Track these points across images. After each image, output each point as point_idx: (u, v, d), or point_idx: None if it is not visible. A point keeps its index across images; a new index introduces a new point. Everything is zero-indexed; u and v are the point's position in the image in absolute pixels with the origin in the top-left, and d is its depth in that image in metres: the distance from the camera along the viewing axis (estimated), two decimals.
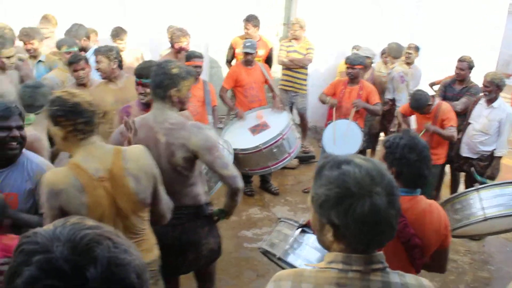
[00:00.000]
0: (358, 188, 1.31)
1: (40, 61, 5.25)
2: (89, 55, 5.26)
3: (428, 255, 2.27)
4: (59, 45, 5.09)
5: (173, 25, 6.50)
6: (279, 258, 2.64)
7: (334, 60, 7.71)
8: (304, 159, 6.88)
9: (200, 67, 4.99)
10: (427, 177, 2.26)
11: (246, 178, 5.82)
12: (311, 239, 2.60)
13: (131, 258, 0.87)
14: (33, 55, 5.20)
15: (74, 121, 2.18)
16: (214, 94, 5.32)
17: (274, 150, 5.00)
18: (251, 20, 6.26)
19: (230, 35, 6.75)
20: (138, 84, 3.38)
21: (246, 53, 5.66)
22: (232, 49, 6.54)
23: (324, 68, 7.79)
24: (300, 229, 2.72)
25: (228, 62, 6.64)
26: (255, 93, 5.76)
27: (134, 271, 0.86)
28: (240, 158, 5.01)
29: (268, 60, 6.52)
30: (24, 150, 2.65)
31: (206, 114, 5.18)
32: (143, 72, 3.29)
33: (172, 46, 5.63)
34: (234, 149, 4.84)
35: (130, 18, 6.49)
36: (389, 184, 1.35)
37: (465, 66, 5.57)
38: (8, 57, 4.29)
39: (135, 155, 2.35)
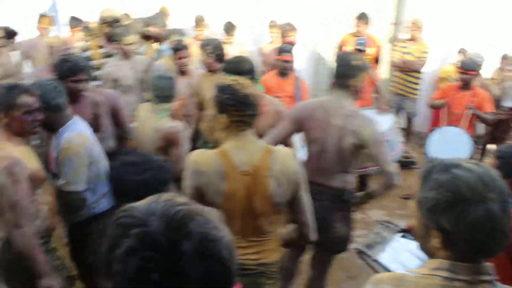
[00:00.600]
0: (470, 193, 1.26)
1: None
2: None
3: None
4: (168, 34, 5.33)
5: (274, 20, 6.60)
6: (375, 260, 2.60)
7: (439, 64, 7.36)
8: (405, 164, 6.64)
9: (289, 62, 4.91)
10: None
11: None
12: (410, 245, 2.52)
13: (222, 235, 0.90)
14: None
15: (243, 112, 2.20)
16: (305, 91, 5.17)
17: None
18: (363, 18, 6.17)
19: (338, 33, 6.68)
20: None
21: (357, 50, 5.51)
22: (341, 46, 6.44)
23: (430, 71, 7.47)
24: (400, 234, 2.66)
25: None
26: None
27: (225, 247, 0.89)
28: None
29: (377, 60, 6.37)
30: (70, 122, 2.84)
31: None
32: (230, 68, 3.25)
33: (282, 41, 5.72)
34: None
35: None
36: (502, 190, 1.30)
37: None
38: (129, 44, 4.59)
39: (284, 158, 2.29)
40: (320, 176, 2.82)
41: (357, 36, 5.95)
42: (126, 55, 4.65)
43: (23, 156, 2.48)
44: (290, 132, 3.11)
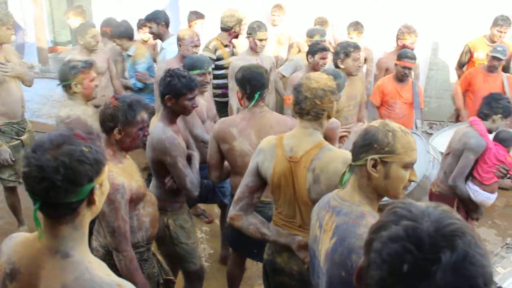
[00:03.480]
0: None
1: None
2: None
3: None
4: (311, 34, 5.27)
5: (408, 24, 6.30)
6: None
7: None
8: None
9: (409, 68, 4.78)
10: None
11: None
12: None
13: (486, 264, 0.89)
14: None
15: (295, 104, 2.35)
16: (422, 97, 5.03)
17: None
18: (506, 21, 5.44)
19: (462, 37, 6.13)
20: None
21: (494, 58, 5.05)
22: (469, 53, 5.79)
23: None
24: None
25: (460, 66, 5.94)
26: None
27: (482, 276, 0.88)
28: None
29: (506, 69, 5.57)
30: None
31: (412, 117, 4.99)
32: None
33: (397, 43, 5.52)
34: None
35: None
36: None
37: None
38: (262, 40, 4.72)
39: (332, 158, 2.28)
40: None
41: (493, 42, 5.45)
42: (254, 49, 4.76)
43: (125, 175, 2.47)
44: None
